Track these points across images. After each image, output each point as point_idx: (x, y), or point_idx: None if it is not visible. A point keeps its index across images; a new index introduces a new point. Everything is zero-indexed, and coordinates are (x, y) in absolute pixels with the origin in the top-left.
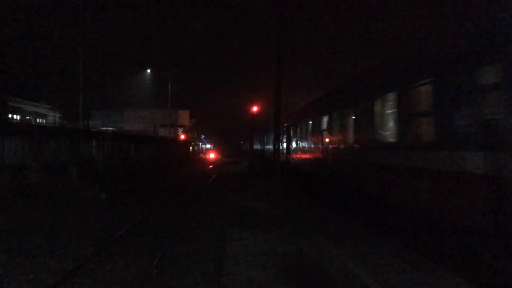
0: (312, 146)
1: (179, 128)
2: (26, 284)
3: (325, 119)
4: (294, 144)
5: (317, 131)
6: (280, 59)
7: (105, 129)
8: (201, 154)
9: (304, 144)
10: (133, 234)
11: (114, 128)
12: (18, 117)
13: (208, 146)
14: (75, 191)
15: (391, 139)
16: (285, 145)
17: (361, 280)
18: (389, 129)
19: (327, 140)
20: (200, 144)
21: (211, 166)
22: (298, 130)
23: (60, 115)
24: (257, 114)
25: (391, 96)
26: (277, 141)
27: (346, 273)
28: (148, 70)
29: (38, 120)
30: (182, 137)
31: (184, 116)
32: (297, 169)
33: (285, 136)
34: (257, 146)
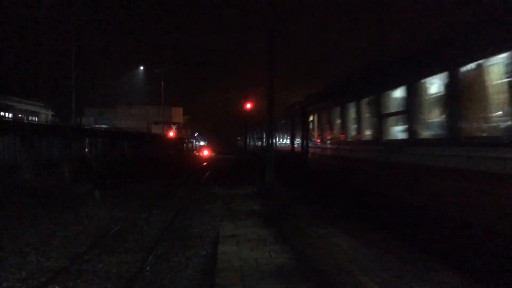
0: None
1: (172, 125)
2: (19, 282)
3: None
4: None
5: None
6: (273, 48)
7: (98, 127)
8: (194, 151)
9: None
10: (127, 232)
11: (107, 126)
12: (10, 115)
13: (202, 143)
14: (68, 189)
15: None
16: None
17: (354, 276)
18: None
19: None
20: (194, 141)
21: (204, 163)
22: None
23: (52, 113)
24: (254, 110)
25: None
26: (270, 137)
27: (340, 269)
28: (141, 67)
29: (30, 118)
30: (171, 134)
31: (177, 113)
32: None
33: None
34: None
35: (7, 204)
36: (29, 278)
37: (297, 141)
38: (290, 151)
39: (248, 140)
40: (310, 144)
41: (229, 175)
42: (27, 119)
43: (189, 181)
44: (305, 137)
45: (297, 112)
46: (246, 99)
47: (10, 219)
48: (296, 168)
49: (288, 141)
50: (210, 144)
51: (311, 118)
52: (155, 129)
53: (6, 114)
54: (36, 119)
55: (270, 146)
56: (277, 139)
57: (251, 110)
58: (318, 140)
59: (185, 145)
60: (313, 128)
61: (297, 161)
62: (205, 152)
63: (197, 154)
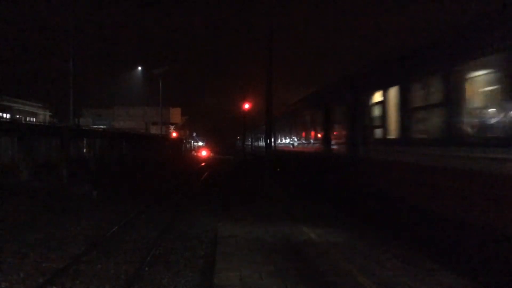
0: None
1: (170, 126)
2: (17, 283)
3: None
4: None
5: None
6: (271, 48)
7: (96, 127)
8: (193, 152)
9: None
10: (125, 233)
11: (105, 126)
12: (8, 116)
13: (200, 143)
14: (66, 189)
15: None
16: None
17: (353, 276)
18: None
19: None
20: (192, 141)
21: (203, 164)
22: None
23: (50, 114)
24: (255, 109)
25: None
26: (269, 137)
27: (338, 269)
28: (139, 68)
29: (28, 118)
30: (174, 134)
31: (175, 114)
32: None
33: None
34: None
35: (5, 205)
36: (27, 279)
37: (338, 140)
38: (322, 155)
39: (251, 140)
40: (375, 146)
41: (232, 184)
42: (25, 119)
43: (182, 181)
44: (361, 132)
45: (340, 94)
46: (245, 99)
47: (8, 220)
48: (342, 184)
49: (314, 140)
50: (208, 145)
51: (377, 98)
52: (154, 130)
53: (4, 115)
54: (34, 119)
55: (269, 148)
56: (293, 138)
57: (252, 109)
58: (397, 136)
59: (183, 145)
60: (381, 116)
61: (343, 172)
62: (204, 153)
63: (195, 154)
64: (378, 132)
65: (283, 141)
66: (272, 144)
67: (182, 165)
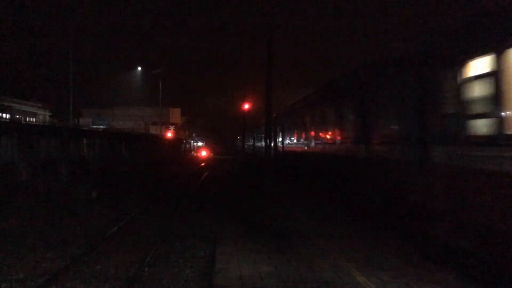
0: None
1: (170, 126)
2: (17, 283)
3: None
4: None
5: None
6: (271, 49)
7: (95, 128)
8: (192, 152)
9: None
10: (124, 233)
11: (104, 126)
12: (8, 116)
13: (200, 143)
14: (66, 189)
15: None
16: None
17: (353, 277)
18: None
19: None
20: (192, 141)
21: (202, 164)
22: None
23: (50, 114)
24: (253, 110)
25: None
26: (269, 137)
27: (338, 269)
28: (139, 68)
29: (28, 118)
30: (169, 134)
31: (175, 114)
32: None
33: None
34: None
35: (5, 205)
36: (27, 279)
37: (384, 138)
38: (355, 158)
39: (252, 140)
40: (472, 147)
41: (232, 186)
42: (25, 119)
43: (181, 182)
44: (435, 125)
45: (392, 72)
46: (245, 99)
47: (8, 220)
48: (393, 199)
49: (342, 139)
50: (208, 145)
51: (478, 69)
52: (153, 130)
53: (4, 115)
54: (34, 119)
55: (269, 149)
56: (308, 136)
57: (252, 109)
58: None
59: (183, 145)
60: (492, 98)
61: (395, 183)
62: (203, 153)
63: (195, 154)
64: (481, 125)
65: (294, 140)
66: (280, 144)
67: (181, 165)
